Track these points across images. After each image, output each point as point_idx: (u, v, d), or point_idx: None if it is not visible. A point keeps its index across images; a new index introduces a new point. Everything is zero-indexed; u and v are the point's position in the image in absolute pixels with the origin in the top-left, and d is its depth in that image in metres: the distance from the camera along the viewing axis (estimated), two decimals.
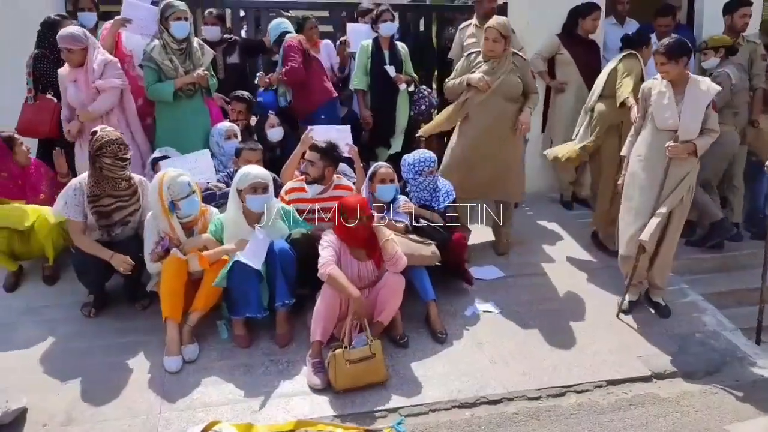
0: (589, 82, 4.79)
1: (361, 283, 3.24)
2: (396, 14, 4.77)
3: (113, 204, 3.34)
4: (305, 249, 3.31)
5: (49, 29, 4.01)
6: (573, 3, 4.98)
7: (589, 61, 4.94)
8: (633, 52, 4.20)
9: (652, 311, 3.73)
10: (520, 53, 4.10)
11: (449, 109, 4.11)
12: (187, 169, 3.50)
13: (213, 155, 4.03)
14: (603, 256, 4.35)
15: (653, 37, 4.58)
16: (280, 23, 4.70)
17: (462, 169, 4.07)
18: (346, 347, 2.91)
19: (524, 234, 4.61)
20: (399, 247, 3.22)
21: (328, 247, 3.16)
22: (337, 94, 4.64)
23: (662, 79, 3.47)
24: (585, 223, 4.81)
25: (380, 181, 3.63)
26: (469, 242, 4.12)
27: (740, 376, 3.24)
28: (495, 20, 3.93)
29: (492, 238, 4.43)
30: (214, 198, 3.73)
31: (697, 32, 5.38)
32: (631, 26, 5.39)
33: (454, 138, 4.18)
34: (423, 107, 4.87)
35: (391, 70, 4.62)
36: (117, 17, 4.04)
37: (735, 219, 4.75)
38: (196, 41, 4.14)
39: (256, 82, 4.81)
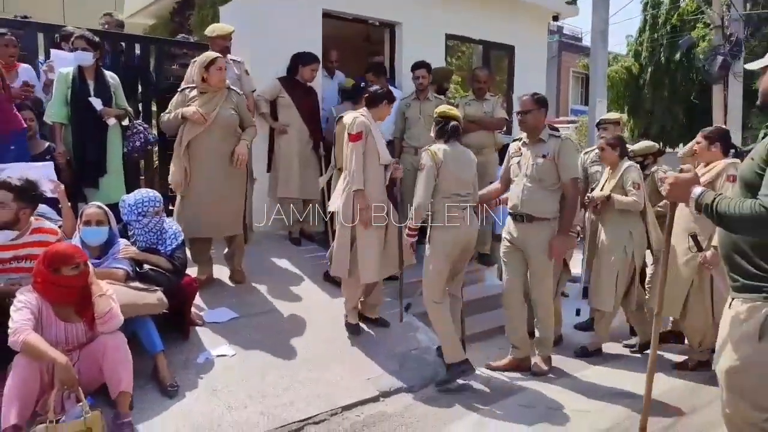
0: (309, 125, 5.16)
1: (69, 345, 2.77)
2: (104, 42, 4.33)
3: None
4: None
5: None
6: (294, 49, 5.27)
7: (308, 105, 5.24)
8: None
9: (373, 331, 4.08)
10: (235, 89, 4.26)
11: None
12: None
13: None
14: (332, 288, 4.58)
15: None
16: None
17: (193, 205, 4.01)
18: (51, 422, 2.44)
19: (256, 272, 4.58)
20: (115, 304, 2.85)
21: (22, 308, 2.63)
22: (26, 126, 3.96)
23: (367, 119, 3.85)
24: (314, 257, 5.02)
25: (85, 223, 3.21)
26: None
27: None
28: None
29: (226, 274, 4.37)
30: None
31: (399, 85, 6.22)
32: (340, 78, 5.99)
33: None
34: (138, 143, 4.50)
35: (96, 102, 4.16)
36: None
37: None
38: None
39: None
